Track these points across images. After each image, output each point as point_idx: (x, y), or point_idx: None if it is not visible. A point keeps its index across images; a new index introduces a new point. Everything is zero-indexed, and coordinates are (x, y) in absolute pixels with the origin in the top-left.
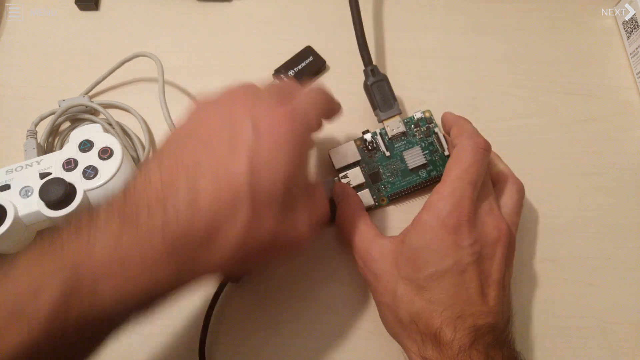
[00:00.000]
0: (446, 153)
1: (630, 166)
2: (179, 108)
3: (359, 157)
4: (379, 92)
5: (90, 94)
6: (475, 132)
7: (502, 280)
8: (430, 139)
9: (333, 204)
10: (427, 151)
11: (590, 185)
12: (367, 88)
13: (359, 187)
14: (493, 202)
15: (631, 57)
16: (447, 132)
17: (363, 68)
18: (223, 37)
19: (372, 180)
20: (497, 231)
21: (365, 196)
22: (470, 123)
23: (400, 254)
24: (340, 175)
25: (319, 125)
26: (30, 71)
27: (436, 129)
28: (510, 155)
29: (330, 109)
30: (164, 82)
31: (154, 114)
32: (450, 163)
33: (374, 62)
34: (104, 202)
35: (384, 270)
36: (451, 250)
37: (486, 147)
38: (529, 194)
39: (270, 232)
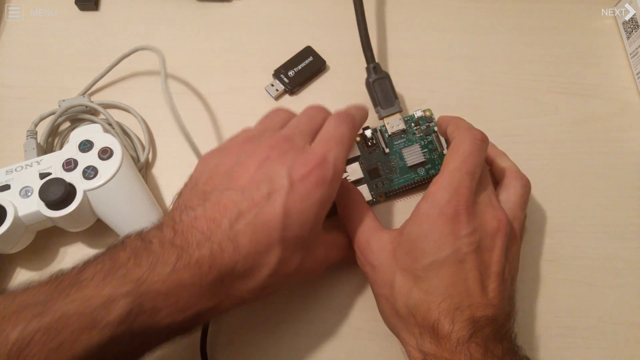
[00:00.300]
0: (445, 152)
1: (630, 166)
2: (180, 108)
3: (358, 153)
4: (381, 89)
5: (90, 92)
6: (471, 126)
7: (502, 273)
8: (429, 138)
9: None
10: (426, 149)
11: (590, 185)
12: (369, 85)
13: (358, 182)
14: (492, 194)
15: (631, 57)
16: (444, 133)
17: (363, 67)
18: (223, 37)
19: (371, 176)
20: (496, 221)
21: (363, 192)
22: (465, 120)
23: (398, 245)
24: None
25: (346, 160)
26: (30, 71)
27: (436, 128)
28: (510, 155)
29: (357, 129)
30: (166, 74)
31: (154, 114)
32: (448, 155)
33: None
34: (153, 229)
35: (382, 261)
36: (449, 239)
37: (483, 139)
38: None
39: (295, 267)
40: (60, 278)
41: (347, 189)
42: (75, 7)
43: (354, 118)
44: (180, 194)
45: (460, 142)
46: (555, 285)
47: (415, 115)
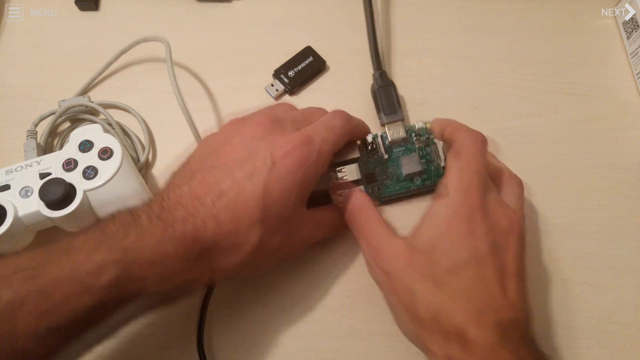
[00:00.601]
0: (442, 164)
1: (630, 166)
2: (179, 108)
3: (357, 155)
4: (385, 96)
5: (90, 91)
6: (469, 127)
7: (520, 272)
8: (428, 149)
9: (327, 197)
10: (424, 160)
11: (590, 185)
12: (374, 91)
13: (355, 184)
14: (497, 194)
15: (631, 57)
16: (440, 136)
17: (363, 67)
18: (223, 37)
19: (367, 180)
20: (507, 220)
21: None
22: (461, 123)
23: (414, 250)
24: (337, 168)
25: (335, 148)
26: (30, 71)
27: (435, 140)
28: (510, 155)
29: (352, 132)
30: (172, 63)
31: (154, 114)
32: (452, 157)
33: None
34: (143, 205)
35: (398, 268)
36: (467, 240)
37: (483, 139)
38: (529, 195)
39: (276, 246)
40: (48, 246)
41: (353, 192)
42: (75, 7)
43: (351, 119)
44: (173, 174)
45: (464, 143)
46: (555, 285)
47: (417, 126)
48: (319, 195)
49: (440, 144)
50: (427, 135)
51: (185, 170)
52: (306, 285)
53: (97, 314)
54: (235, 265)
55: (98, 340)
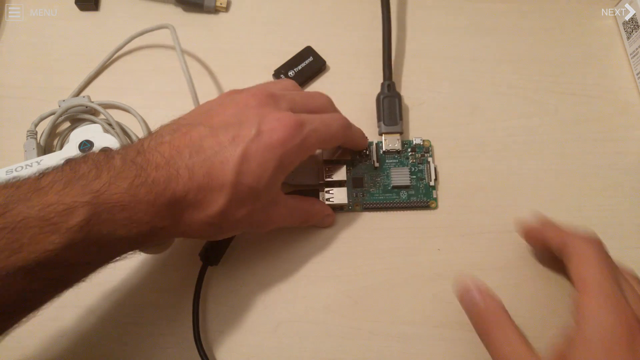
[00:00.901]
0: (431, 184)
1: (630, 166)
2: (179, 108)
3: (348, 157)
4: (388, 107)
5: (89, 89)
6: (574, 229)
7: None
8: (421, 167)
9: (295, 193)
10: (414, 176)
11: (590, 185)
12: (379, 100)
13: (339, 184)
14: (631, 290)
15: (631, 57)
16: (534, 241)
17: (363, 68)
18: (223, 37)
19: (354, 184)
20: None
21: (342, 193)
22: (553, 222)
23: None
24: (326, 189)
25: (322, 145)
26: (30, 71)
27: (430, 159)
28: (510, 155)
29: (347, 138)
30: (180, 47)
31: (154, 114)
32: (578, 268)
33: (372, 61)
34: (120, 148)
35: None
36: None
37: (600, 242)
38: (528, 195)
39: (239, 217)
40: (18, 183)
41: (484, 300)
42: (75, 7)
43: (351, 127)
44: (160, 126)
45: (583, 250)
46: (555, 285)
47: (414, 142)
48: (305, 191)
49: (433, 165)
50: (422, 153)
51: (172, 124)
52: (306, 285)
53: (65, 256)
54: (199, 224)
55: (63, 286)
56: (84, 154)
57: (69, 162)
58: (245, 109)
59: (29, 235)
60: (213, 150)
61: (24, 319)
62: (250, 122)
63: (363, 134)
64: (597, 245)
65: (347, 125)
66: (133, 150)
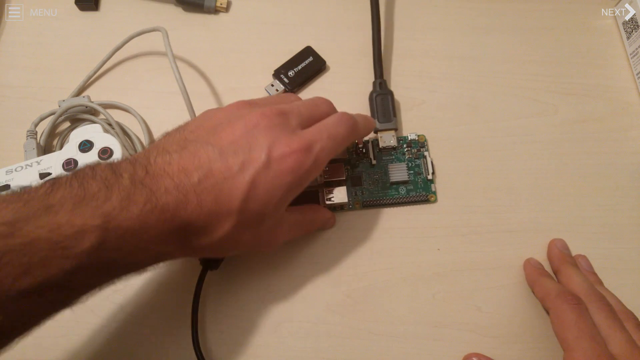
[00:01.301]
0: (429, 177)
1: (630, 166)
2: (179, 108)
3: (346, 156)
4: (382, 104)
5: (89, 90)
6: (559, 287)
7: None
8: (417, 161)
9: (311, 194)
10: (412, 171)
11: (589, 185)
12: (372, 98)
13: (338, 184)
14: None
15: (631, 57)
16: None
17: (363, 68)
18: (223, 37)
19: (353, 183)
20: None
21: (342, 193)
22: (546, 278)
23: None
24: (326, 189)
25: (332, 156)
26: (30, 71)
27: (426, 153)
28: (510, 155)
29: (356, 136)
30: (172, 51)
31: (154, 114)
32: (559, 329)
33: (372, 61)
34: (126, 163)
35: None
36: None
37: (579, 301)
38: (528, 195)
39: (244, 240)
40: (27, 197)
41: None
42: (75, 7)
43: (357, 124)
44: (165, 135)
45: (562, 311)
46: None
47: (409, 137)
48: (305, 192)
49: (429, 159)
50: (418, 148)
51: (179, 137)
52: (306, 285)
53: (72, 279)
54: (202, 247)
55: (65, 306)
56: (92, 166)
57: (76, 176)
58: (255, 131)
59: (38, 258)
60: (222, 175)
61: (19, 338)
62: (259, 147)
63: (367, 120)
64: (574, 306)
65: (353, 125)
66: (141, 168)
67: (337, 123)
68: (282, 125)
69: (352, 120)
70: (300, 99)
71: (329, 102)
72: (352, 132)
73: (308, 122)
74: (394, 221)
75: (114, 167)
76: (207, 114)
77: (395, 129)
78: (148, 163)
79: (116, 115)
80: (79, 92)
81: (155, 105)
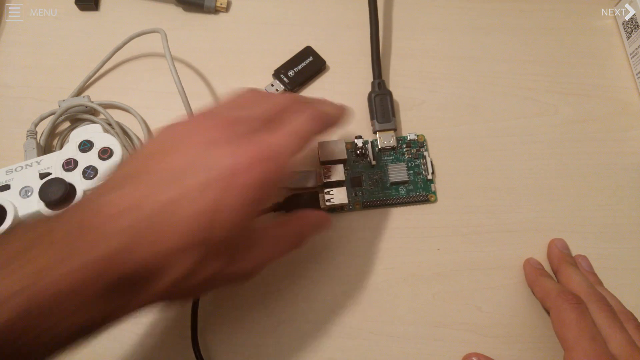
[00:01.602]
0: (429, 177)
1: (630, 166)
2: (179, 109)
3: (345, 157)
4: (380, 104)
5: (89, 90)
6: (559, 287)
7: None
8: (417, 161)
9: (295, 197)
10: (411, 171)
11: (589, 185)
12: (370, 98)
13: (338, 184)
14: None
15: (631, 57)
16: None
17: (363, 68)
18: (223, 38)
19: (353, 184)
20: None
21: (342, 193)
22: (544, 278)
23: None
24: (326, 190)
25: (297, 154)
26: (30, 71)
27: (425, 153)
28: (510, 155)
29: (327, 128)
30: (170, 52)
31: (154, 114)
32: (557, 328)
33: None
34: (59, 217)
35: None
36: None
37: (579, 301)
38: (528, 195)
39: (209, 274)
40: None
41: None
42: (75, 7)
43: (329, 118)
44: (120, 165)
45: (562, 311)
46: None
47: (408, 137)
48: (304, 193)
49: (429, 159)
50: (417, 148)
51: (131, 167)
52: (306, 285)
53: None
54: (163, 293)
55: None
56: (22, 226)
57: (7, 235)
58: (210, 146)
59: None
60: (178, 203)
61: None
62: (220, 162)
63: (334, 109)
64: (575, 305)
65: (324, 118)
66: (76, 219)
67: (309, 120)
68: (240, 135)
69: (325, 116)
70: (261, 96)
71: (295, 97)
72: (324, 127)
73: (272, 124)
74: (394, 221)
75: (48, 223)
76: (166, 131)
77: (395, 129)
78: (83, 211)
79: (116, 115)
80: (79, 92)
81: (155, 105)
